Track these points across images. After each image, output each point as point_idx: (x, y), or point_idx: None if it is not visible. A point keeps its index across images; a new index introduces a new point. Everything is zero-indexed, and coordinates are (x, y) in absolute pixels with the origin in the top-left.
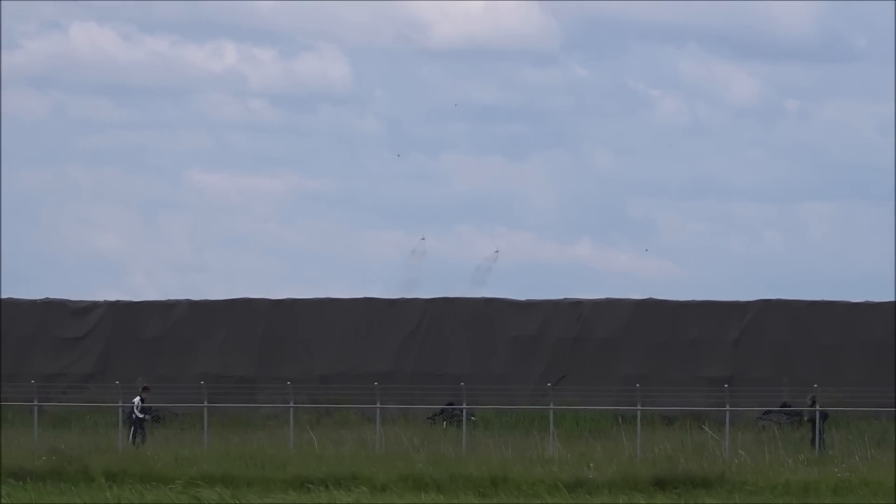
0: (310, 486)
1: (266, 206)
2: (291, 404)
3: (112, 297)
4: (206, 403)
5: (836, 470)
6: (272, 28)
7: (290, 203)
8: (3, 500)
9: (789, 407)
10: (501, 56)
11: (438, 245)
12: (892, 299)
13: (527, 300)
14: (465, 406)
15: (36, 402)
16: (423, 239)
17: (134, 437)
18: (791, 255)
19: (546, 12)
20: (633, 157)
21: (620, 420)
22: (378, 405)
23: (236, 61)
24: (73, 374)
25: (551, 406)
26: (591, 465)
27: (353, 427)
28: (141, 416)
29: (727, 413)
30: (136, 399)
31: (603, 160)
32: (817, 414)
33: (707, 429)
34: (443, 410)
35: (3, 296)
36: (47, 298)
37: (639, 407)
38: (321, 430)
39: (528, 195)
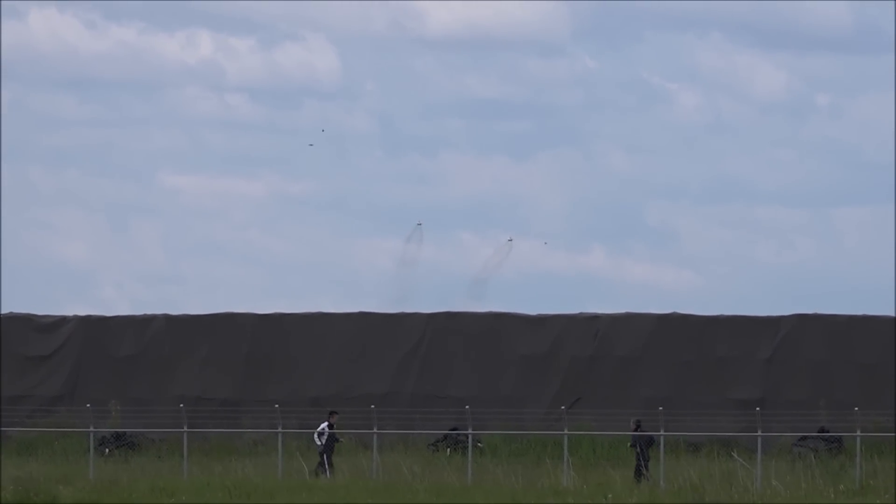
0: None
1: (246, 212)
2: (279, 429)
3: (80, 311)
4: (185, 428)
5: (878, 502)
6: (252, 15)
7: (272, 208)
8: None
9: (828, 432)
10: (504, 46)
11: (436, 254)
12: None
13: (538, 315)
14: (470, 431)
15: None
16: (419, 224)
17: (325, 467)
18: (826, 265)
19: None
20: (650, 157)
21: None
22: (375, 430)
23: (212, 52)
24: (40, 395)
25: (565, 431)
26: (609, 496)
27: (348, 454)
28: (320, 444)
29: (759, 439)
30: (323, 425)
31: (616, 160)
32: (640, 441)
33: (737, 456)
34: (446, 436)
35: None
36: (10, 313)
37: (661, 432)
38: (312, 458)
39: (534, 199)
